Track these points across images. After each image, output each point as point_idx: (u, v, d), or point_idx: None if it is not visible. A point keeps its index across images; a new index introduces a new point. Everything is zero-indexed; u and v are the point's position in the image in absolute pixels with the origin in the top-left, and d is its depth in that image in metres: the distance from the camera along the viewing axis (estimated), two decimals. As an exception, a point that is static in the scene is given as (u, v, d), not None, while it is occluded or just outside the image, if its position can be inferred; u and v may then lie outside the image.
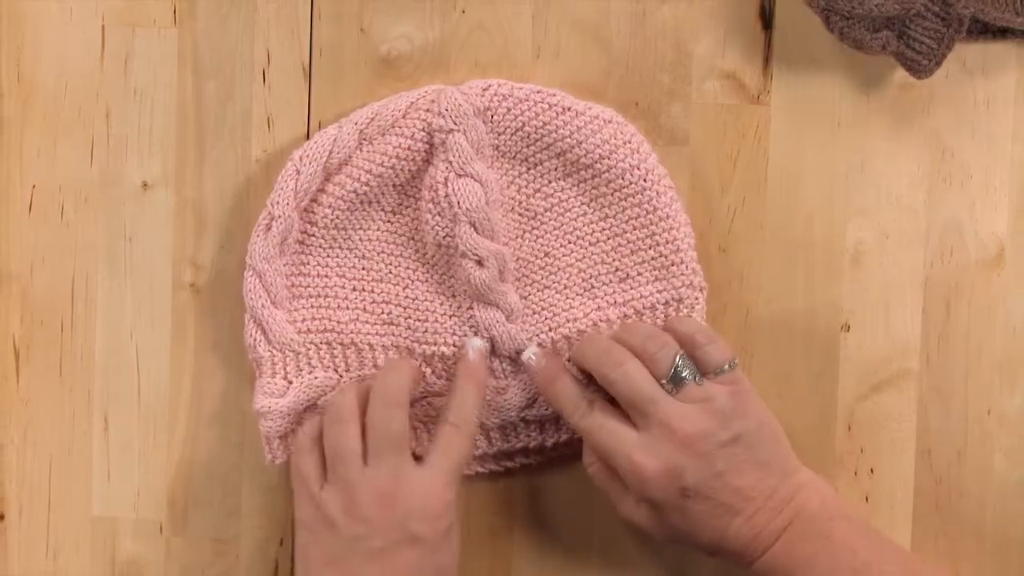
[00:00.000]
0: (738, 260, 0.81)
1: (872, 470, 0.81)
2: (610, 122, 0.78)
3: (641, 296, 0.79)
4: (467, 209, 0.77)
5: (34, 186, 0.81)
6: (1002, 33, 0.79)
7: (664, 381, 0.74)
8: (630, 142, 0.78)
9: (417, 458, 0.75)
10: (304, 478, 0.75)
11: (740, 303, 0.81)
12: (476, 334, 0.79)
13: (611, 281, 0.80)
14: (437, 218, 0.77)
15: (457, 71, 0.80)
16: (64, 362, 0.82)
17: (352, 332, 0.80)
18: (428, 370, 0.80)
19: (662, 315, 0.79)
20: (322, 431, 0.76)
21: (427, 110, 0.78)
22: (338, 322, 0.80)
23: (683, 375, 0.74)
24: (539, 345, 0.79)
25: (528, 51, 0.80)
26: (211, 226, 0.81)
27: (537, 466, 0.82)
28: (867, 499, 0.81)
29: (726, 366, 0.75)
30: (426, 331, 0.80)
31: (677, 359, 0.74)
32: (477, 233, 0.77)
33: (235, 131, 0.81)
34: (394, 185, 0.79)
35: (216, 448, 0.82)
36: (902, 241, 0.81)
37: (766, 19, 0.80)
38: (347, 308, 0.80)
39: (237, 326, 0.80)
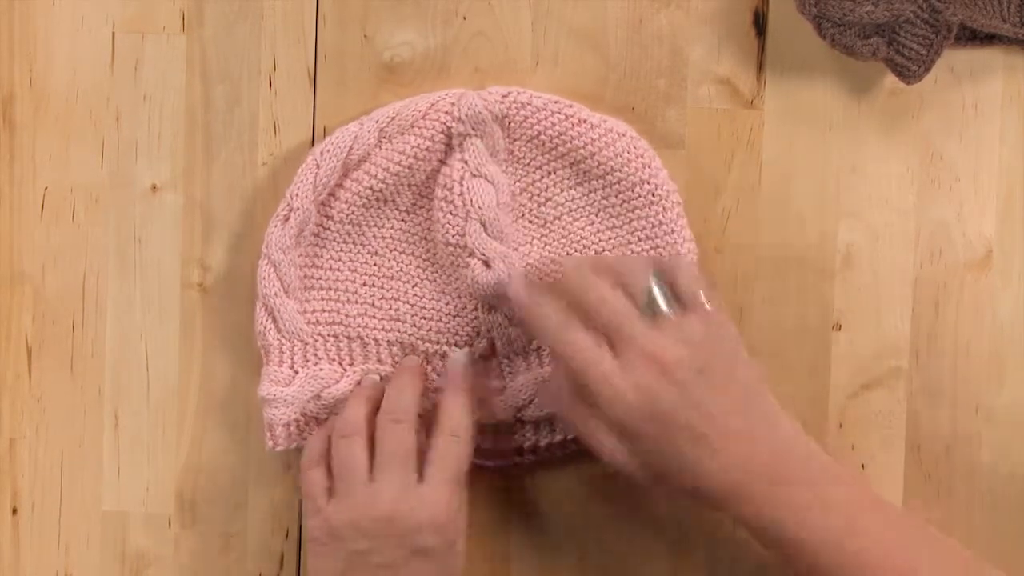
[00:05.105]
0: (732, 261, 0.81)
1: (863, 466, 0.82)
2: (624, 135, 0.79)
3: None
4: (479, 208, 0.77)
5: (46, 188, 0.82)
6: (989, 39, 0.80)
7: (641, 307, 0.72)
8: (642, 156, 0.79)
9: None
10: (311, 492, 0.76)
11: (734, 303, 0.81)
12: (479, 335, 0.80)
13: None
14: (449, 216, 0.78)
15: (458, 77, 0.81)
16: (75, 360, 0.83)
17: (359, 326, 0.81)
18: (429, 367, 0.81)
19: None
20: (329, 446, 0.77)
21: (447, 112, 0.78)
22: (346, 315, 0.80)
23: (658, 302, 0.72)
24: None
25: (528, 57, 0.81)
26: (219, 227, 0.82)
27: (531, 465, 0.82)
28: (858, 494, 0.82)
29: (702, 297, 0.73)
30: (430, 329, 0.81)
31: (653, 285, 0.73)
32: (486, 233, 0.78)
33: (242, 135, 0.81)
34: (410, 184, 0.80)
35: (223, 444, 0.82)
36: (892, 242, 0.81)
37: (760, 26, 0.81)
38: (356, 302, 0.81)
39: (244, 325, 0.81)
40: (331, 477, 0.76)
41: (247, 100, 0.81)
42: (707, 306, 0.73)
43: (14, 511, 0.83)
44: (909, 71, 0.78)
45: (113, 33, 0.82)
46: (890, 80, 0.80)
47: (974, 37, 0.80)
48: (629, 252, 0.80)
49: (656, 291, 0.73)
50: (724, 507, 0.71)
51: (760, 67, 0.81)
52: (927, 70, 0.78)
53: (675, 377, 0.71)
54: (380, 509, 0.73)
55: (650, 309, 0.73)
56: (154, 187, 0.82)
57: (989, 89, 0.81)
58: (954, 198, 0.82)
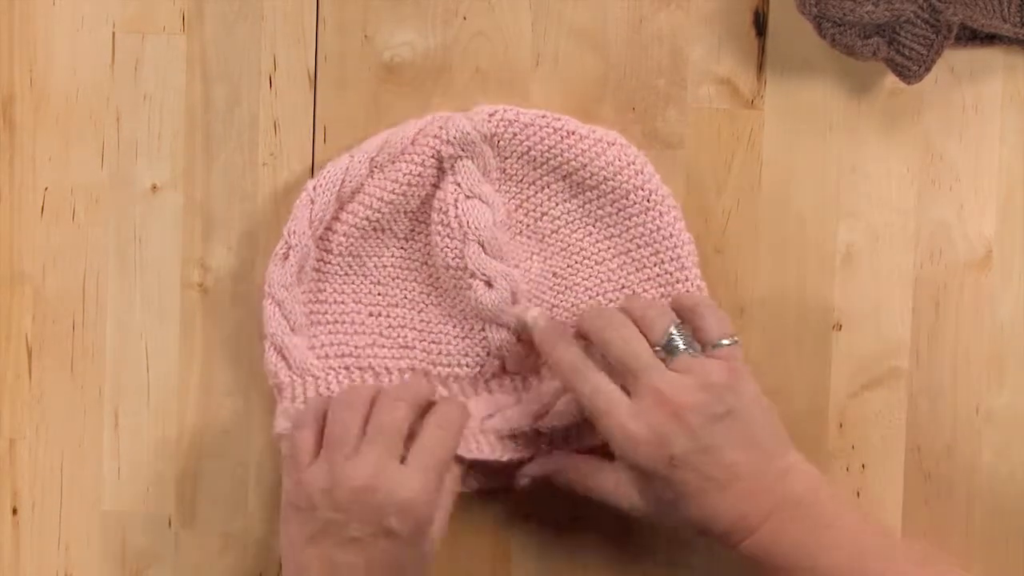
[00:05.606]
0: (732, 261, 0.82)
1: (863, 466, 0.82)
2: (614, 144, 0.79)
3: None
4: (476, 228, 0.77)
5: (46, 188, 0.82)
6: (989, 39, 0.80)
7: (658, 349, 0.74)
8: (634, 163, 0.79)
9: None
10: (296, 451, 0.75)
11: (734, 303, 0.81)
12: (488, 354, 0.80)
13: (618, 298, 0.80)
14: (447, 240, 0.78)
15: (458, 77, 0.81)
16: (75, 360, 0.83)
17: (369, 356, 0.81)
18: (444, 391, 0.80)
19: None
20: (326, 413, 0.76)
21: (435, 136, 0.78)
22: (355, 347, 0.80)
23: (677, 344, 0.73)
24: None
25: (528, 57, 0.81)
26: (219, 227, 0.82)
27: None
28: (858, 494, 0.82)
29: (725, 340, 0.74)
30: (440, 353, 0.81)
31: (672, 328, 0.74)
32: (485, 253, 0.78)
33: (242, 135, 0.82)
34: (405, 211, 0.80)
35: (223, 443, 0.82)
36: (892, 242, 0.82)
37: (760, 26, 0.81)
38: (364, 333, 0.81)
39: (244, 325, 0.81)
40: (319, 443, 0.75)
41: (247, 100, 0.82)
42: (733, 351, 0.74)
43: (14, 511, 0.83)
44: (909, 71, 0.78)
45: (113, 33, 0.82)
46: (890, 80, 0.80)
47: (974, 37, 0.80)
48: (629, 259, 0.80)
49: (675, 332, 0.74)
50: (728, 540, 0.73)
51: (760, 67, 0.81)
52: (927, 70, 0.78)
53: (687, 421, 0.72)
54: (356, 481, 0.72)
55: (668, 348, 0.74)
56: (154, 187, 0.82)
57: (989, 89, 0.81)
58: (954, 198, 0.82)
